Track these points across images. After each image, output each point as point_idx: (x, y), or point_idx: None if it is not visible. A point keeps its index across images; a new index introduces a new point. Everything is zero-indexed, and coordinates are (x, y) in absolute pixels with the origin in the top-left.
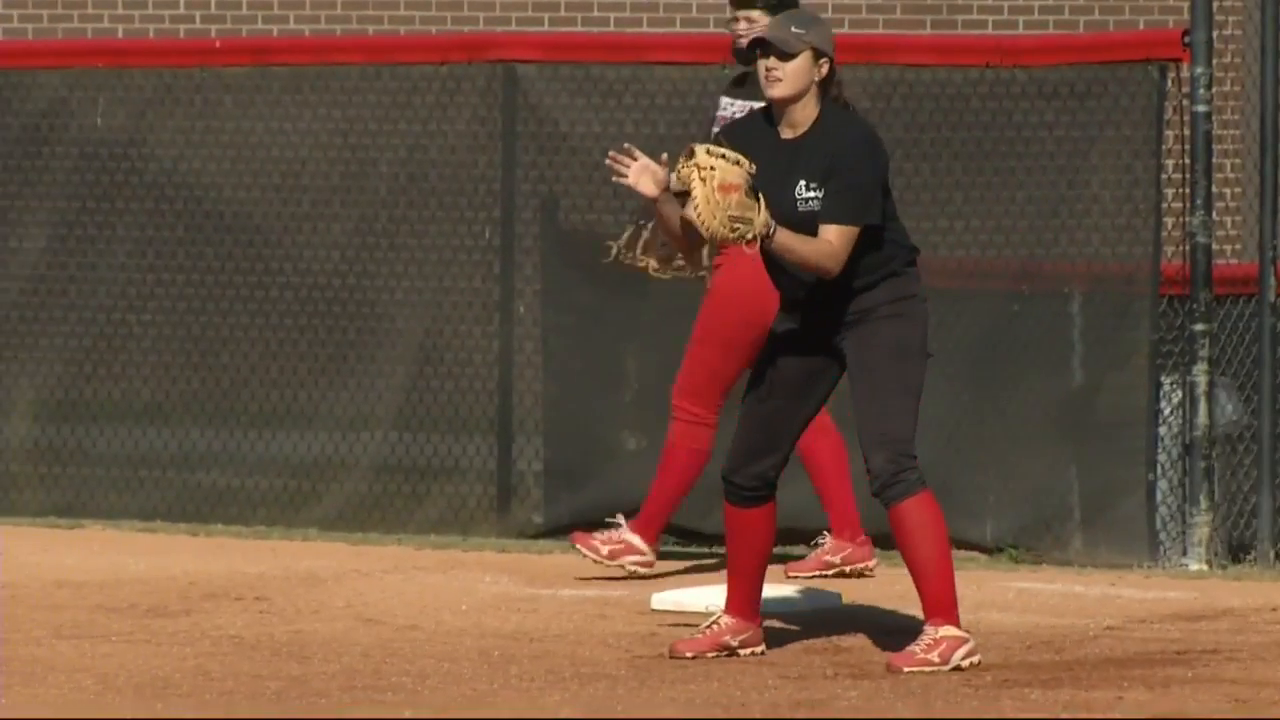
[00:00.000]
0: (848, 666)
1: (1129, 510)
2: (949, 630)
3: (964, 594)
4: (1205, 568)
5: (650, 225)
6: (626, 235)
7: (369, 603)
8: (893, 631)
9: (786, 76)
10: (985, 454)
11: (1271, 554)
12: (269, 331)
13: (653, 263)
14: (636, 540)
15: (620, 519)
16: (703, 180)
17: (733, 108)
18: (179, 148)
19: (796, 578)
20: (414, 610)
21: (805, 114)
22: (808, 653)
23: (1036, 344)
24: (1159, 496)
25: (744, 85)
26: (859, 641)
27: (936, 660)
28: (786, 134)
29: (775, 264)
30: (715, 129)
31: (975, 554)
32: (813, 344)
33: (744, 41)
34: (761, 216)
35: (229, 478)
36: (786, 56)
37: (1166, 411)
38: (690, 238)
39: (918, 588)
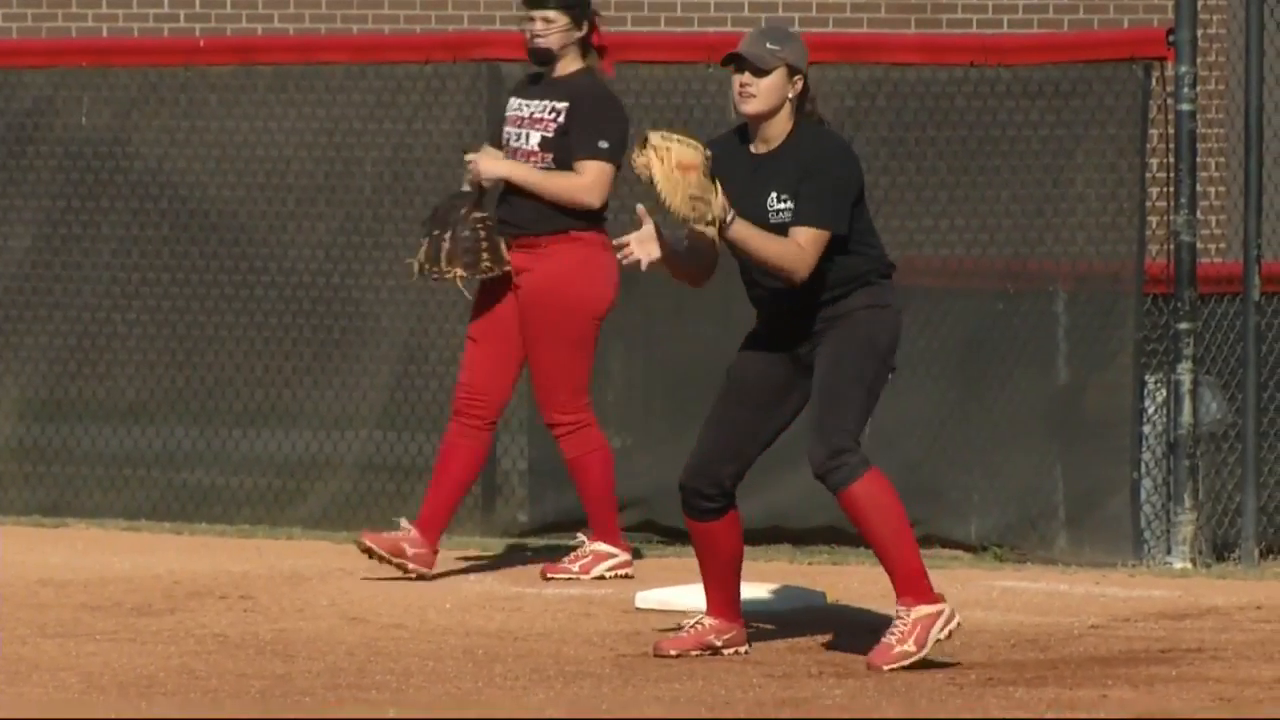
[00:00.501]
0: (832, 665)
1: (1114, 509)
2: (920, 610)
3: (949, 593)
4: (1190, 566)
5: (449, 234)
6: (424, 249)
7: (353, 601)
8: (878, 630)
9: (760, 93)
10: (970, 453)
11: (1256, 552)
12: (253, 330)
13: (459, 271)
14: (603, 547)
15: (581, 536)
16: (660, 160)
17: (528, 108)
18: (164, 147)
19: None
20: (398, 609)
21: (778, 129)
22: (792, 651)
23: (1021, 343)
24: (1143, 495)
25: (539, 84)
26: (844, 640)
27: (913, 649)
28: (759, 149)
29: (750, 277)
30: (507, 128)
31: (960, 553)
32: (784, 356)
33: (540, 42)
34: (720, 199)
35: (213, 476)
36: (760, 73)
37: (1151, 410)
38: (697, 268)
39: (884, 567)
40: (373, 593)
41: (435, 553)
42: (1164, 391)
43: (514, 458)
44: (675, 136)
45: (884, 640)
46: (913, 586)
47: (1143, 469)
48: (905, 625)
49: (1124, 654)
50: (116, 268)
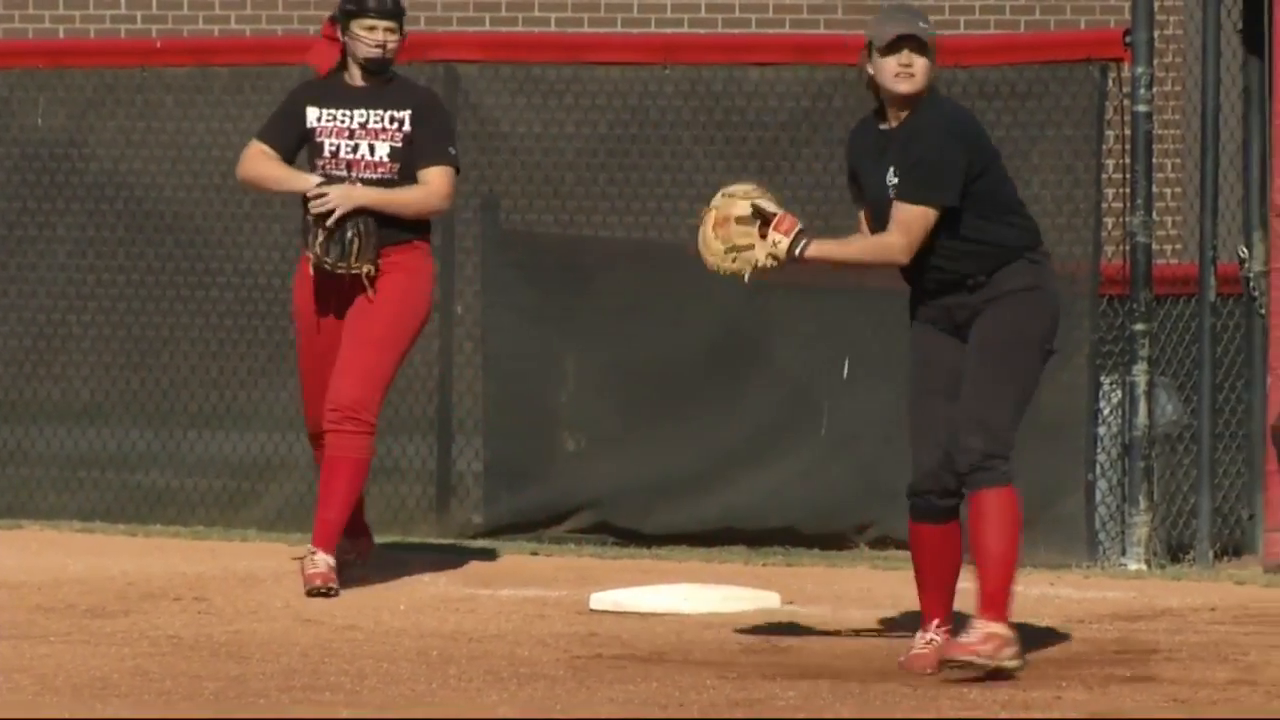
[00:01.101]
0: (785, 666)
1: (1068, 510)
2: (998, 628)
3: (901, 595)
4: (1144, 568)
5: (358, 230)
6: (321, 243)
7: (308, 603)
8: (831, 632)
9: (919, 72)
10: None
11: (1210, 554)
12: (209, 332)
13: (368, 267)
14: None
15: (340, 549)
16: (701, 222)
17: (358, 118)
18: (120, 148)
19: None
20: (352, 611)
21: (908, 105)
22: (746, 653)
23: None
24: (1098, 496)
25: (354, 94)
26: (797, 642)
27: (988, 652)
28: (891, 124)
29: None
30: (330, 139)
31: None
32: (954, 338)
33: (388, 52)
34: (765, 246)
35: (168, 478)
36: (924, 51)
37: (1106, 411)
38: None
39: (978, 578)
40: None
41: (368, 537)
42: (1119, 393)
43: (469, 459)
44: (731, 190)
45: (959, 638)
46: (997, 605)
47: (1098, 470)
48: (980, 634)
49: (1078, 655)
50: (72, 269)
